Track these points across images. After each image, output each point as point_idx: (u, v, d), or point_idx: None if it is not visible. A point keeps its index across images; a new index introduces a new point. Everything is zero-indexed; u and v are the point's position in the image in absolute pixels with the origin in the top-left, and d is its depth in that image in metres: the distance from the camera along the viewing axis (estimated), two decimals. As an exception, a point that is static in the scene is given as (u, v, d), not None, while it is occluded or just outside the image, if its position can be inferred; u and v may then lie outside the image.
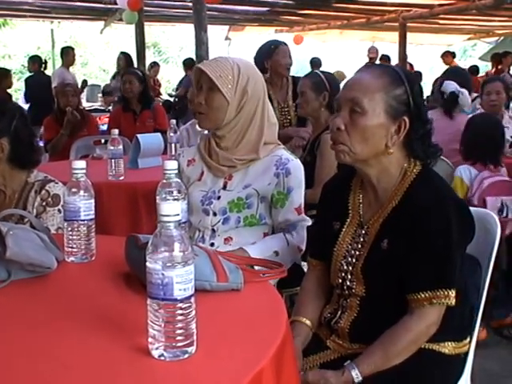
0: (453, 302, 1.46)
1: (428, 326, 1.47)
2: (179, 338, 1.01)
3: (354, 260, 1.58)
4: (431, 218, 1.46)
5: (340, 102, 1.54)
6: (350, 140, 1.50)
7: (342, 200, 1.65)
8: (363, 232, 1.59)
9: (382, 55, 11.26)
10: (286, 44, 4.19)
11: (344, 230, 1.62)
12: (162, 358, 1.01)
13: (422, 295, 1.45)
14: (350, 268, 1.58)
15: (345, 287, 1.59)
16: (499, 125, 3.32)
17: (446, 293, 1.45)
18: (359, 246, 1.58)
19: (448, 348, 1.55)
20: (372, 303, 1.55)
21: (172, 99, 10.24)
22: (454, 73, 3.75)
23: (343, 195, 1.65)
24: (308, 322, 1.64)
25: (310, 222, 2.02)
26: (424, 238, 1.46)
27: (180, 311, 1.01)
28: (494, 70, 9.94)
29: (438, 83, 3.64)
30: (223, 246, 1.95)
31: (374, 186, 1.57)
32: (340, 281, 1.61)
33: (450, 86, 3.48)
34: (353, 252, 1.59)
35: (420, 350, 1.50)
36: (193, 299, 1.03)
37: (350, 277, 1.58)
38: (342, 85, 1.76)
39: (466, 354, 1.61)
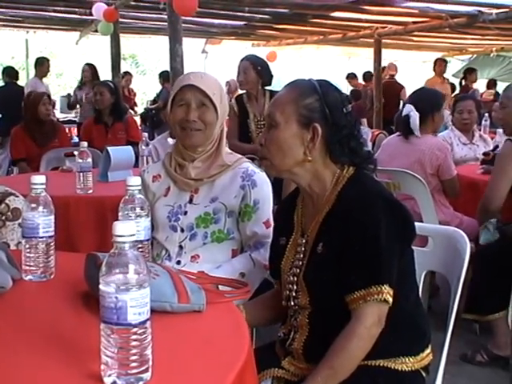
0: (387, 298, 1.43)
1: (368, 328, 1.44)
2: (133, 364, 0.97)
3: (297, 270, 1.59)
4: (358, 216, 1.47)
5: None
6: (269, 153, 1.57)
7: (288, 218, 1.67)
8: (304, 241, 1.60)
9: (348, 74, 11.37)
10: (246, 59, 4.26)
11: (289, 243, 1.64)
12: (115, 385, 0.97)
13: (357, 294, 1.44)
14: (295, 279, 1.58)
15: (291, 299, 1.59)
16: None
17: (378, 289, 1.43)
18: (301, 255, 1.59)
19: (406, 364, 1.52)
20: (320, 318, 1.54)
21: (149, 112, 10.21)
22: (420, 94, 3.76)
23: (290, 213, 1.68)
24: (243, 312, 1.61)
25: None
26: (353, 237, 1.47)
27: (134, 336, 0.96)
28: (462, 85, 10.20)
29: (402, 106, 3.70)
30: (190, 263, 1.91)
31: (311, 195, 1.60)
32: (287, 293, 1.61)
33: (406, 108, 3.52)
34: (297, 263, 1.60)
35: (375, 367, 1.48)
36: (148, 324, 0.98)
37: (295, 287, 1.58)
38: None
39: (427, 367, 1.58)
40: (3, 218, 1.92)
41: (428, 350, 1.59)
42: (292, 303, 1.59)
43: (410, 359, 1.53)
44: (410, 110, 3.49)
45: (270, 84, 4.33)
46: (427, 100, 3.59)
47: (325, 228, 1.54)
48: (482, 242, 2.81)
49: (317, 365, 1.46)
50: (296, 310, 1.59)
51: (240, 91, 5.23)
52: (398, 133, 3.74)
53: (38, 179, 1.50)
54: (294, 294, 1.58)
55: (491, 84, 11.28)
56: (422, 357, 1.56)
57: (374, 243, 1.45)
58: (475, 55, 14.36)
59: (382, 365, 1.50)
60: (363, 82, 11.24)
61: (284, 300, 1.62)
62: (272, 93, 4.19)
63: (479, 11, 7.95)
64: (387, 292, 1.43)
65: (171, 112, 2.00)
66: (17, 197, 1.97)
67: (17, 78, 8.30)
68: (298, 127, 1.54)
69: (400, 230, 1.50)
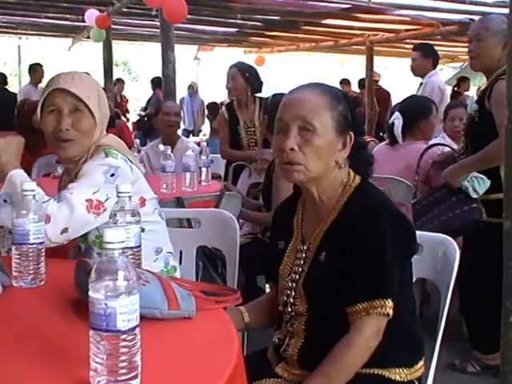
0: (390, 311, 1.44)
1: (367, 339, 1.44)
2: (122, 371, 0.96)
3: (296, 277, 1.58)
4: (364, 227, 1.47)
5: (286, 122, 1.52)
6: (306, 159, 1.50)
7: (287, 221, 1.66)
8: (305, 248, 1.59)
9: (341, 79, 11.41)
10: (233, 66, 4.30)
11: (288, 248, 1.63)
12: (104, 392, 0.97)
13: (360, 306, 1.44)
14: (294, 285, 1.58)
15: (288, 305, 1.58)
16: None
17: (382, 302, 1.44)
18: (302, 262, 1.59)
19: (399, 374, 1.53)
20: (317, 326, 1.53)
21: (141, 118, 10.24)
22: (408, 102, 3.79)
23: (289, 217, 1.66)
24: (245, 314, 1.63)
25: (79, 205, 1.73)
26: (357, 248, 1.46)
27: (124, 343, 0.96)
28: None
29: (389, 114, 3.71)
30: None
31: (316, 203, 1.58)
32: (284, 298, 1.60)
33: (394, 116, 3.54)
34: (296, 269, 1.59)
35: (369, 375, 1.49)
36: (137, 330, 0.98)
37: (293, 294, 1.57)
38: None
39: (420, 378, 1.59)
40: None
41: (421, 362, 1.59)
42: (289, 309, 1.58)
43: (405, 370, 1.54)
44: (396, 117, 3.52)
45: (259, 91, 4.33)
46: (414, 107, 3.61)
47: (329, 237, 1.53)
48: (481, 192, 2.73)
49: (311, 372, 1.46)
50: (292, 316, 1.58)
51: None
52: (387, 140, 3.76)
53: (29, 186, 1.50)
54: (291, 301, 1.57)
55: None
56: (415, 368, 1.57)
57: (379, 255, 1.45)
58: (467, 63, 14.44)
59: (376, 373, 1.51)
60: (358, 90, 11.27)
61: (281, 305, 1.62)
62: (262, 100, 4.19)
63: (471, 19, 8.00)
64: (390, 306, 1.44)
65: (41, 119, 1.83)
66: (7, 203, 1.96)
67: (5, 83, 8.28)
68: (335, 134, 1.52)
69: (404, 243, 1.50)
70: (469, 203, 2.74)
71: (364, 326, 1.44)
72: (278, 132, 1.55)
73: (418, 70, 5.13)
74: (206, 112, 10.77)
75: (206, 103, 11.50)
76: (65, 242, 1.74)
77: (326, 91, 1.55)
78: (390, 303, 1.44)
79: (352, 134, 1.54)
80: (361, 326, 1.44)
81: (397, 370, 1.52)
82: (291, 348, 1.57)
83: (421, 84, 5.11)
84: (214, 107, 10.69)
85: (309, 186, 1.57)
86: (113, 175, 1.79)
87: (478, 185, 2.71)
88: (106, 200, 1.76)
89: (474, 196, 2.73)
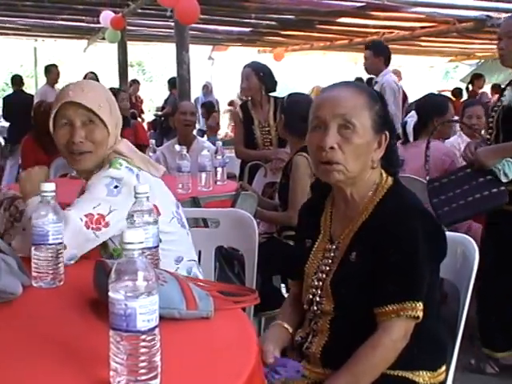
0: (420, 314, 1.44)
1: (394, 341, 1.44)
2: (142, 371, 0.97)
3: (324, 275, 1.57)
4: (396, 229, 1.46)
5: (324, 120, 1.51)
6: (345, 158, 1.49)
7: (314, 219, 1.65)
8: (334, 247, 1.58)
9: (356, 78, 11.41)
10: (247, 66, 4.29)
11: (315, 246, 1.62)
12: (124, 392, 0.97)
13: (390, 308, 1.44)
14: (321, 284, 1.57)
15: (314, 304, 1.58)
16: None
17: (413, 305, 1.43)
18: (329, 261, 1.58)
19: (423, 377, 1.52)
20: (342, 325, 1.53)
21: (158, 118, 10.32)
22: (424, 100, 3.78)
23: (316, 215, 1.65)
24: (289, 328, 1.63)
25: (75, 220, 1.68)
26: (390, 250, 1.45)
27: (143, 343, 0.96)
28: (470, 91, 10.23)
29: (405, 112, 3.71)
30: None
31: (348, 202, 1.57)
32: (310, 297, 1.59)
33: (409, 114, 3.54)
34: (323, 268, 1.58)
35: (394, 377, 1.48)
36: (157, 330, 0.99)
37: (319, 292, 1.57)
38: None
39: (442, 383, 1.58)
40: (12, 219, 1.93)
41: (444, 367, 1.59)
42: (315, 308, 1.57)
43: (428, 374, 1.53)
44: (411, 115, 3.52)
45: (274, 90, 4.31)
46: (429, 105, 3.59)
47: (359, 237, 1.53)
48: (511, 177, 2.69)
49: (333, 370, 1.46)
50: (317, 314, 1.58)
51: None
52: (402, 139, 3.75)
53: (48, 187, 1.51)
54: (317, 299, 1.57)
55: (496, 89, 11.25)
56: (438, 373, 1.56)
57: (410, 257, 1.44)
58: (483, 60, 14.34)
59: (400, 375, 1.50)
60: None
61: (306, 304, 1.61)
62: (277, 99, 4.17)
63: (488, 16, 7.96)
64: (420, 309, 1.44)
65: (54, 133, 1.82)
66: (25, 200, 1.98)
67: (22, 85, 8.35)
68: (373, 134, 1.51)
69: (435, 245, 1.50)
70: (497, 186, 2.70)
71: (392, 328, 1.44)
72: (314, 129, 1.54)
73: (370, 69, 5.19)
74: (200, 111, 10.79)
75: (220, 103, 11.53)
76: (71, 261, 1.69)
77: (363, 90, 1.55)
78: (420, 306, 1.43)
79: (388, 133, 1.54)
80: (389, 326, 1.44)
81: (420, 372, 1.51)
82: (314, 346, 1.56)
83: (376, 82, 5.12)
84: (208, 106, 10.81)
85: (343, 186, 1.55)
86: (116, 187, 1.74)
87: (508, 168, 2.68)
88: (110, 213, 1.71)
89: (504, 180, 2.69)
